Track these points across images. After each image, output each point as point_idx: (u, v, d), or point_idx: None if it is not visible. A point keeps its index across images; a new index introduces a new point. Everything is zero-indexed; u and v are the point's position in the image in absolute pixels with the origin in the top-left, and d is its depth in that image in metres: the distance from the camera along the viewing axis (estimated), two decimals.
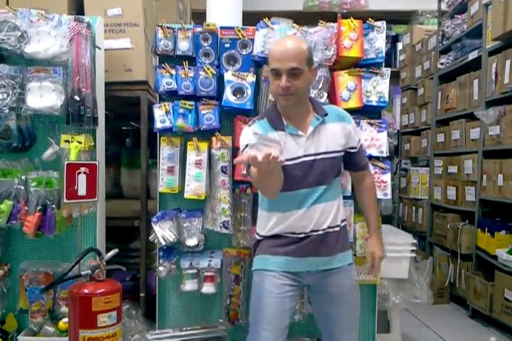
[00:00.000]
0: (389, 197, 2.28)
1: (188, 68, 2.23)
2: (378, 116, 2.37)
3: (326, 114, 1.75)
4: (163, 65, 2.25)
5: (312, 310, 1.94)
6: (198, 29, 2.25)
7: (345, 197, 2.22)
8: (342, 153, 1.78)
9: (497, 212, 3.47)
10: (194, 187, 2.23)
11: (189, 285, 2.29)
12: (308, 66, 1.68)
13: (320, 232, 1.74)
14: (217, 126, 2.23)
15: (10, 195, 2.19)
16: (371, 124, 2.28)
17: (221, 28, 2.27)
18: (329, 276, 1.77)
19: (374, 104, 2.25)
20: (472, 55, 3.70)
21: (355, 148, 1.82)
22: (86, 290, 1.90)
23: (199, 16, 3.97)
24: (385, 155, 2.28)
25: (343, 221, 1.83)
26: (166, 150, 2.28)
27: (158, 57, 2.34)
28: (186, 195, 2.24)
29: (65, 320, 2.15)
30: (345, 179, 2.18)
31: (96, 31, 2.33)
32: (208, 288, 2.28)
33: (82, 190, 2.10)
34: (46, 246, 2.38)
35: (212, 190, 2.27)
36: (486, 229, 3.35)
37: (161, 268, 2.26)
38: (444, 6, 4.47)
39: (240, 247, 2.31)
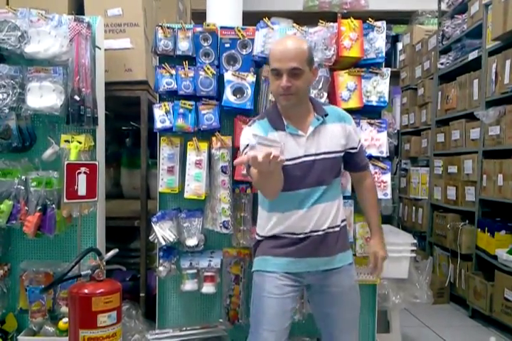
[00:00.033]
0: (389, 197, 2.28)
1: (188, 68, 2.23)
2: (378, 116, 2.37)
3: (327, 114, 1.75)
4: (163, 65, 2.25)
5: (312, 309, 1.94)
6: (198, 29, 2.25)
7: (345, 197, 2.22)
8: (342, 154, 1.78)
9: (497, 212, 3.47)
10: (194, 187, 2.23)
11: (189, 285, 2.29)
12: (309, 66, 1.68)
13: (320, 233, 1.73)
14: (217, 126, 2.23)
15: (10, 194, 2.19)
16: (371, 124, 2.28)
17: (221, 28, 2.27)
18: (330, 276, 1.78)
19: (374, 104, 2.25)
20: (472, 55, 3.70)
21: (356, 148, 1.82)
22: (86, 290, 1.90)
23: (199, 16, 3.97)
24: (385, 155, 2.28)
25: (342, 221, 1.83)
26: (166, 150, 2.28)
27: (158, 57, 2.34)
28: (186, 195, 2.24)
29: (65, 319, 2.15)
30: (346, 179, 2.18)
31: (96, 31, 2.33)
32: (208, 288, 2.28)
33: (82, 189, 2.10)
34: (46, 246, 2.38)
35: (212, 190, 2.27)
36: (486, 229, 3.35)
37: (161, 268, 2.26)
38: (444, 6, 4.47)
39: (240, 247, 2.31)
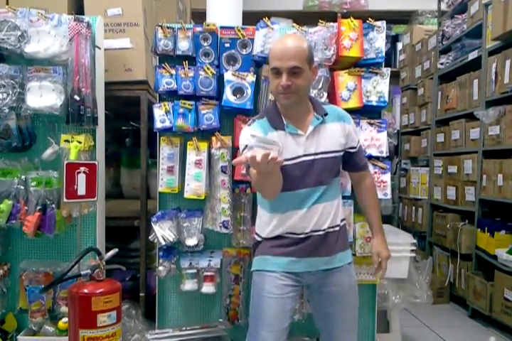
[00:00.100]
0: (389, 197, 2.28)
1: (188, 68, 2.23)
2: (378, 116, 2.37)
3: (326, 114, 1.75)
4: (163, 65, 2.25)
5: (311, 309, 1.94)
6: (198, 29, 2.25)
7: (344, 197, 2.23)
8: (341, 153, 1.78)
9: (497, 212, 3.47)
10: (194, 186, 2.23)
11: (189, 285, 2.29)
12: (309, 65, 1.68)
13: (320, 232, 1.74)
14: (217, 126, 2.23)
15: (10, 194, 2.19)
16: (371, 124, 2.28)
17: (221, 27, 2.27)
18: (330, 276, 1.78)
19: (374, 103, 2.25)
20: (472, 55, 3.70)
21: (355, 148, 1.82)
22: (86, 290, 1.90)
23: (199, 16, 3.97)
24: (384, 155, 2.28)
25: (342, 220, 1.83)
26: (165, 150, 2.28)
27: (158, 57, 2.34)
28: (186, 195, 2.24)
29: (65, 319, 2.15)
30: (345, 179, 2.18)
31: (96, 31, 2.33)
32: (208, 288, 2.28)
33: (81, 189, 2.10)
34: (46, 245, 2.38)
35: (212, 190, 2.27)
36: (486, 229, 3.35)
37: (160, 268, 2.26)
38: (444, 6, 4.47)
39: (240, 247, 2.31)
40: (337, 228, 1.78)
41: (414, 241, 2.68)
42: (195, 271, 2.29)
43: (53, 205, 2.20)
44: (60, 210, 2.21)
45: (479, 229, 3.45)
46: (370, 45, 2.24)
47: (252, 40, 2.24)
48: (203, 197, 2.24)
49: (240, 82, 2.20)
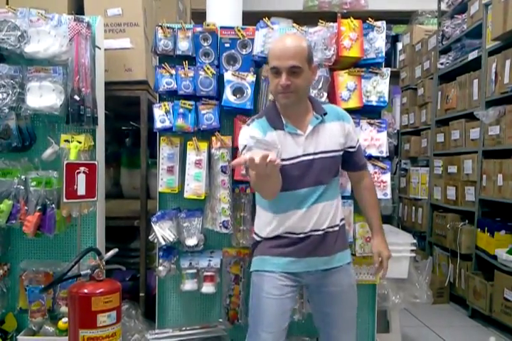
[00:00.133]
0: (389, 197, 2.28)
1: (188, 68, 2.23)
2: (378, 116, 2.37)
3: (325, 113, 1.75)
4: (163, 65, 2.25)
5: (311, 309, 1.94)
6: (198, 29, 2.25)
7: (344, 197, 2.23)
8: (341, 153, 1.78)
9: (497, 212, 3.47)
10: (194, 186, 2.23)
11: (189, 285, 2.29)
12: (309, 64, 1.67)
13: (320, 232, 1.73)
14: (217, 126, 2.23)
15: (10, 194, 2.19)
16: (371, 124, 2.28)
17: (221, 27, 2.27)
18: (329, 276, 1.78)
19: (374, 103, 2.25)
20: (472, 55, 3.70)
21: (354, 147, 1.82)
22: (86, 290, 1.90)
23: (199, 16, 3.97)
24: (384, 155, 2.28)
25: (341, 220, 1.83)
26: (165, 150, 2.28)
27: (158, 57, 2.34)
28: (186, 195, 2.24)
29: (65, 319, 2.15)
30: (345, 179, 2.18)
31: (96, 31, 2.33)
32: (208, 288, 2.28)
33: (81, 189, 2.10)
34: (46, 245, 2.38)
35: (211, 190, 2.27)
36: (486, 228, 3.35)
37: (160, 268, 2.26)
38: (444, 6, 4.47)
39: (240, 247, 2.31)
40: (336, 228, 1.78)
41: (414, 241, 2.68)
42: (195, 271, 2.29)
43: (53, 205, 2.20)
44: (60, 210, 2.21)
45: (479, 229, 3.45)
46: (370, 45, 2.24)
47: (252, 40, 2.24)
48: (202, 197, 2.25)
49: (239, 82, 2.20)
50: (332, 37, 2.20)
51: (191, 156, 2.24)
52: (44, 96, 2.17)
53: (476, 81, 3.63)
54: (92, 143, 2.29)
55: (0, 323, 2.31)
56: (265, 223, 1.78)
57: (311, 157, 1.70)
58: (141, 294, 2.63)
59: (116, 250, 2.05)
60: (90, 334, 1.88)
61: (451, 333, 3.22)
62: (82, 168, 2.10)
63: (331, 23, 2.24)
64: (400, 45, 5.42)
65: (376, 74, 2.25)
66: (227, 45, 2.25)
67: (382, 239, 1.89)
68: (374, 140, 2.27)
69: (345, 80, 2.21)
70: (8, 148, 2.24)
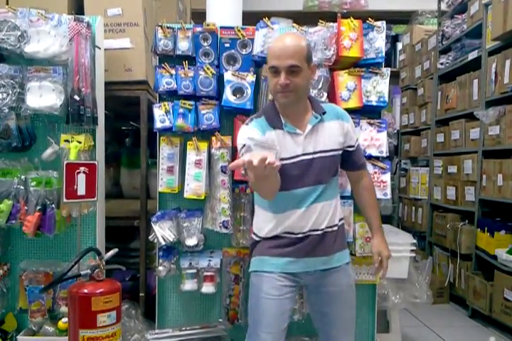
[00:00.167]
0: (389, 197, 2.28)
1: (188, 68, 2.23)
2: (378, 116, 2.37)
3: (324, 112, 1.74)
4: (162, 65, 2.25)
5: (309, 309, 1.94)
6: (198, 29, 2.25)
7: (345, 197, 2.23)
8: (340, 152, 1.78)
9: (497, 212, 3.47)
10: (194, 186, 2.23)
11: (189, 285, 2.28)
12: (308, 63, 1.67)
13: (319, 232, 1.73)
14: (216, 126, 2.23)
15: (9, 194, 2.19)
16: (371, 124, 2.28)
17: (221, 27, 2.27)
18: (328, 276, 1.77)
19: (374, 103, 2.25)
20: (472, 55, 3.70)
21: (353, 146, 1.82)
22: (85, 290, 1.90)
23: (199, 16, 3.97)
24: (384, 155, 2.28)
25: (340, 220, 1.83)
26: (165, 150, 2.28)
27: (158, 57, 2.34)
28: (186, 195, 2.24)
29: (65, 319, 2.15)
30: (345, 179, 2.17)
31: (96, 31, 2.33)
32: (208, 288, 2.28)
33: (81, 189, 2.10)
34: (46, 245, 2.38)
35: (211, 190, 2.27)
36: (486, 228, 3.35)
37: (160, 268, 2.26)
38: (444, 6, 4.47)
39: (240, 247, 2.31)
40: (335, 228, 1.78)
41: (414, 241, 2.68)
42: (195, 271, 2.29)
43: (53, 205, 2.20)
44: (59, 210, 2.21)
45: (479, 229, 3.46)
46: (370, 45, 2.24)
47: (252, 40, 2.24)
48: (202, 197, 2.24)
49: (239, 82, 2.20)
50: (332, 37, 2.20)
51: (191, 156, 2.24)
52: (44, 96, 2.17)
53: (476, 81, 3.63)
54: (92, 143, 2.29)
55: (0, 323, 2.31)
56: (264, 222, 1.78)
57: (310, 156, 1.70)
58: (141, 294, 2.63)
59: (116, 250, 2.05)
60: (90, 334, 1.88)
61: (451, 333, 3.22)
62: (82, 168, 2.11)
63: (331, 23, 2.24)
64: (399, 45, 5.42)
65: (376, 74, 2.25)
66: (227, 45, 2.25)
67: (381, 239, 1.89)
68: (374, 140, 2.27)
69: (345, 80, 2.21)
70: (8, 148, 2.24)
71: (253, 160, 1.34)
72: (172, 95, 2.30)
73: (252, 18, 3.11)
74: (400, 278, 2.67)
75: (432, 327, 3.31)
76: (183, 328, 2.29)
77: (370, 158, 2.25)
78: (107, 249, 2.21)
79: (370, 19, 2.26)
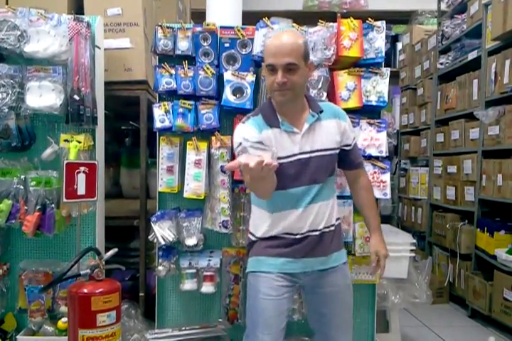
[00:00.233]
0: (388, 197, 2.28)
1: (188, 68, 2.23)
2: (378, 116, 2.37)
3: (322, 111, 1.73)
4: (162, 65, 2.25)
5: (306, 309, 1.93)
6: (198, 29, 2.25)
7: (344, 197, 2.23)
8: (337, 151, 1.77)
9: (496, 212, 3.47)
10: (193, 186, 2.23)
11: (188, 285, 2.28)
12: (305, 61, 1.66)
13: (317, 232, 1.73)
14: (216, 126, 2.23)
15: (9, 194, 2.19)
16: (370, 124, 2.28)
17: (221, 27, 2.27)
18: (325, 276, 1.77)
19: (373, 103, 2.25)
20: (472, 55, 3.70)
21: (350, 145, 1.81)
22: (85, 290, 1.90)
23: (199, 16, 3.97)
24: (384, 155, 2.28)
25: (337, 220, 1.82)
26: (165, 150, 2.28)
27: (157, 57, 2.34)
28: (186, 195, 2.24)
29: (64, 319, 2.15)
30: (345, 178, 2.16)
31: (95, 31, 2.33)
32: (207, 288, 2.28)
33: (81, 189, 2.10)
34: (45, 245, 2.38)
35: (211, 190, 2.27)
36: (486, 228, 3.35)
37: (160, 268, 2.26)
38: (443, 6, 4.47)
39: (239, 247, 2.31)
40: (332, 228, 1.77)
41: (414, 241, 2.68)
42: (194, 270, 2.29)
43: (53, 205, 2.20)
44: (59, 210, 2.21)
45: (479, 229, 3.46)
46: (370, 45, 2.24)
47: (252, 40, 2.24)
48: (202, 197, 2.25)
49: (239, 82, 2.20)
50: (332, 37, 2.20)
51: (191, 156, 2.24)
52: (44, 95, 2.17)
53: (475, 81, 3.63)
54: (91, 142, 2.29)
55: None
56: (261, 222, 1.77)
57: (307, 155, 1.69)
58: (141, 294, 2.63)
59: (115, 250, 2.05)
60: (90, 334, 1.88)
61: (451, 333, 3.22)
62: (82, 168, 2.10)
63: (331, 23, 2.24)
64: (399, 45, 5.43)
65: (376, 74, 2.25)
66: (226, 44, 2.25)
67: (380, 238, 1.88)
68: (373, 140, 2.27)
69: (344, 80, 2.21)
70: (7, 147, 2.24)
71: (249, 162, 1.33)
72: (172, 95, 2.30)
73: (251, 17, 3.11)
74: (400, 277, 2.67)
75: (432, 327, 3.31)
76: (183, 328, 2.29)
77: (369, 157, 2.25)
78: (107, 249, 2.21)
79: (369, 19, 2.26)
